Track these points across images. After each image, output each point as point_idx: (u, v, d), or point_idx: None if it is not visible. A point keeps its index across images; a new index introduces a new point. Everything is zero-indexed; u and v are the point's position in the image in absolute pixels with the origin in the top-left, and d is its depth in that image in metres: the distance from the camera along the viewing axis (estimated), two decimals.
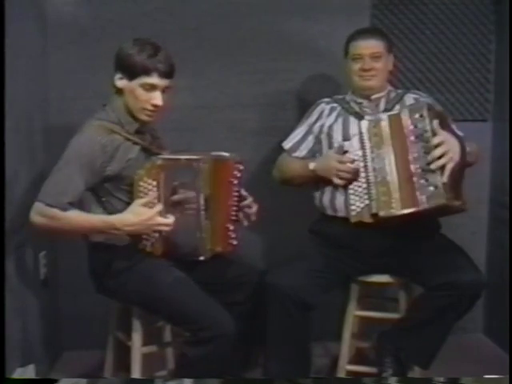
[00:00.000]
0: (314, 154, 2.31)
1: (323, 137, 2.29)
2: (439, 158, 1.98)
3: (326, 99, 2.37)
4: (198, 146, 2.46)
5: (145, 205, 1.91)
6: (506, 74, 2.69)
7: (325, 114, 2.32)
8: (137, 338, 2.09)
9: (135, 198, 1.95)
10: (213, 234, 2.03)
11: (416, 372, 2.20)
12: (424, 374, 2.19)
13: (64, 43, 2.58)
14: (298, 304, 2.10)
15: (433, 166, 1.99)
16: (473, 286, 2.05)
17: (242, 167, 2.11)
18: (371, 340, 2.32)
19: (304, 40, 2.69)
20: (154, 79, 1.94)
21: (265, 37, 2.69)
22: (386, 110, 2.24)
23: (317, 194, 2.29)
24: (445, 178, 1.98)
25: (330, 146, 2.26)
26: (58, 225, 1.86)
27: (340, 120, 2.27)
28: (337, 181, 2.16)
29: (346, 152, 2.17)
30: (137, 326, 2.09)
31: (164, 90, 1.98)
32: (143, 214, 1.90)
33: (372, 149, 2.12)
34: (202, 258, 2.02)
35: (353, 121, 2.24)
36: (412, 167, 2.03)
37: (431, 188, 2.00)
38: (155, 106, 1.97)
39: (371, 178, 2.12)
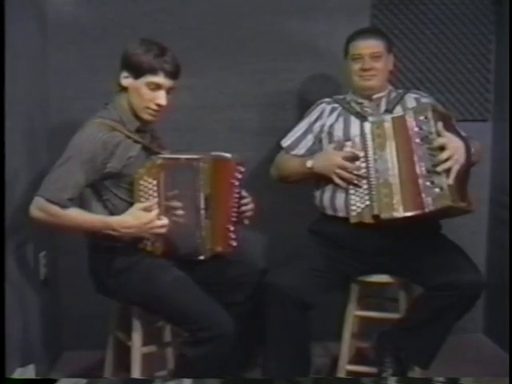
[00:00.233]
0: (312, 153, 2.31)
1: (324, 136, 2.29)
2: (445, 160, 1.98)
3: (327, 99, 2.37)
4: (198, 145, 2.47)
5: (144, 209, 1.92)
6: (505, 74, 2.69)
7: (325, 114, 2.32)
8: (137, 338, 2.09)
9: (135, 197, 1.95)
10: (213, 234, 2.03)
11: (416, 372, 2.20)
12: (424, 374, 2.19)
13: (64, 43, 2.58)
14: (298, 304, 2.09)
15: (439, 169, 1.98)
16: (473, 286, 2.05)
17: (243, 168, 2.11)
18: (371, 340, 2.31)
19: (304, 40, 2.69)
20: (160, 79, 1.95)
21: (265, 37, 2.69)
22: (386, 110, 2.24)
23: (317, 194, 2.29)
24: (450, 180, 1.98)
25: None
26: (58, 222, 1.89)
27: (341, 119, 2.27)
28: (336, 179, 2.16)
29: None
30: (137, 326, 2.09)
31: (168, 91, 1.99)
32: (142, 217, 1.91)
33: (375, 150, 2.12)
34: (201, 258, 2.02)
35: (354, 121, 2.24)
36: (417, 169, 2.03)
37: (436, 190, 1.99)
38: (159, 105, 1.98)
39: (373, 180, 2.12)
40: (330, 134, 2.27)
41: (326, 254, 2.22)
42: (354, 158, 2.14)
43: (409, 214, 2.06)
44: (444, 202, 1.98)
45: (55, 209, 1.86)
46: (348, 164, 2.14)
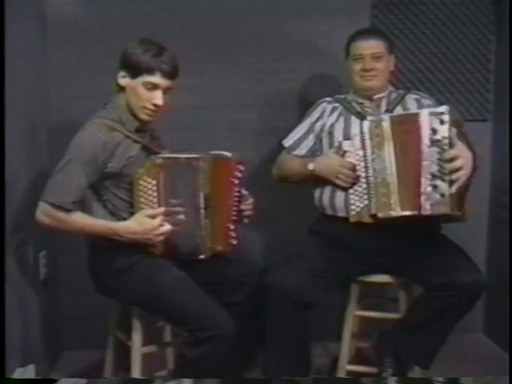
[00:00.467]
0: (313, 152, 2.31)
1: (324, 135, 2.29)
2: (455, 170, 1.95)
3: (328, 99, 2.37)
4: (198, 145, 2.46)
5: (149, 216, 1.93)
6: (505, 74, 2.69)
7: (326, 114, 2.32)
8: (137, 338, 2.09)
9: (135, 197, 1.96)
10: (213, 233, 2.03)
11: (416, 372, 2.20)
12: (424, 374, 2.19)
13: (64, 43, 2.58)
14: (298, 304, 2.09)
15: (446, 178, 1.96)
16: (473, 286, 2.04)
17: (243, 168, 2.11)
18: (371, 340, 2.31)
19: (304, 40, 2.69)
20: (157, 78, 1.95)
21: (265, 37, 2.69)
22: (387, 111, 2.24)
23: (316, 194, 2.29)
24: (453, 189, 1.96)
25: (331, 145, 2.26)
26: (63, 227, 1.92)
27: (341, 119, 2.27)
28: (337, 182, 2.17)
29: (346, 152, 2.17)
30: (137, 326, 2.09)
31: (165, 91, 1.98)
32: (147, 223, 1.92)
33: (373, 149, 2.12)
34: (202, 257, 2.02)
35: (354, 120, 2.24)
36: (422, 171, 2.01)
37: (437, 196, 1.98)
38: (156, 105, 1.98)
39: (371, 179, 2.12)
40: (331, 133, 2.27)
41: (326, 253, 2.22)
42: (353, 167, 2.14)
43: (406, 213, 2.06)
44: (442, 210, 1.98)
45: (60, 214, 1.89)
46: (348, 172, 2.14)
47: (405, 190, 2.07)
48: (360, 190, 2.15)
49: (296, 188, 2.39)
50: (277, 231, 2.73)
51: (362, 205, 2.15)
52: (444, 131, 1.97)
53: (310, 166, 2.24)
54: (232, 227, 2.09)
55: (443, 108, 2.02)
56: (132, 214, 1.97)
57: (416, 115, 2.06)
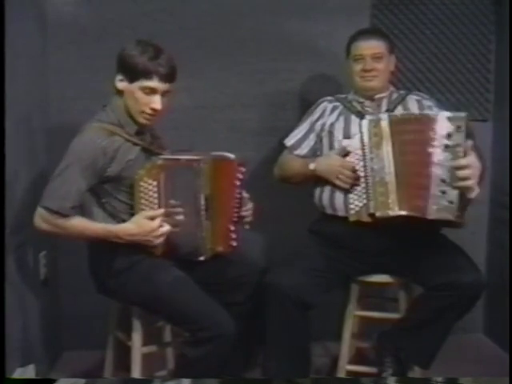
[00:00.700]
0: (315, 152, 2.32)
1: (324, 135, 2.29)
2: (464, 178, 1.91)
3: (329, 98, 2.37)
4: (198, 146, 2.45)
5: (149, 218, 1.93)
6: (505, 74, 2.69)
7: (327, 113, 2.32)
8: (137, 338, 2.09)
9: (135, 199, 1.95)
10: (213, 234, 2.03)
11: (416, 372, 2.20)
12: (424, 374, 2.19)
13: (64, 43, 2.58)
14: (298, 304, 2.09)
15: (455, 185, 1.93)
16: (473, 286, 2.04)
17: (244, 169, 2.10)
18: (371, 340, 2.31)
19: (304, 40, 2.69)
20: (154, 83, 1.93)
21: (265, 37, 2.69)
22: (388, 111, 2.24)
23: (316, 193, 2.29)
24: (462, 197, 1.93)
25: (331, 144, 2.26)
26: (62, 232, 1.92)
27: (342, 118, 2.27)
28: (337, 182, 2.17)
29: (347, 154, 2.17)
30: (137, 326, 2.09)
31: (164, 94, 1.97)
32: (146, 225, 1.92)
33: (371, 148, 2.12)
34: (202, 258, 2.02)
35: (354, 120, 2.24)
36: (430, 174, 1.98)
37: (445, 202, 1.95)
38: (154, 109, 1.97)
39: (370, 178, 2.12)
40: (331, 132, 2.27)
41: (326, 253, 2.22)
42: (354, 169, 2.14)
43: (404, 213, 2.06)
44: (447, 216, 1.96)
45: (59, 220, 1.88)
46: (349, 173, 2.14)
47: (404, 189, 2.07)
48: (359, 189, 2.16)
49: (296, 188, 2.39)
50: (277, 231, 2.72)
51: (360, 204, 2.15)
52: (460, 138, 1.92)
53: (311, 166, 2.24)
54: (232, 228, 2.09)
55: (462, 114, 1.97)
56: (132, 215, 1.96)
57: (427, 116, 2.03)
